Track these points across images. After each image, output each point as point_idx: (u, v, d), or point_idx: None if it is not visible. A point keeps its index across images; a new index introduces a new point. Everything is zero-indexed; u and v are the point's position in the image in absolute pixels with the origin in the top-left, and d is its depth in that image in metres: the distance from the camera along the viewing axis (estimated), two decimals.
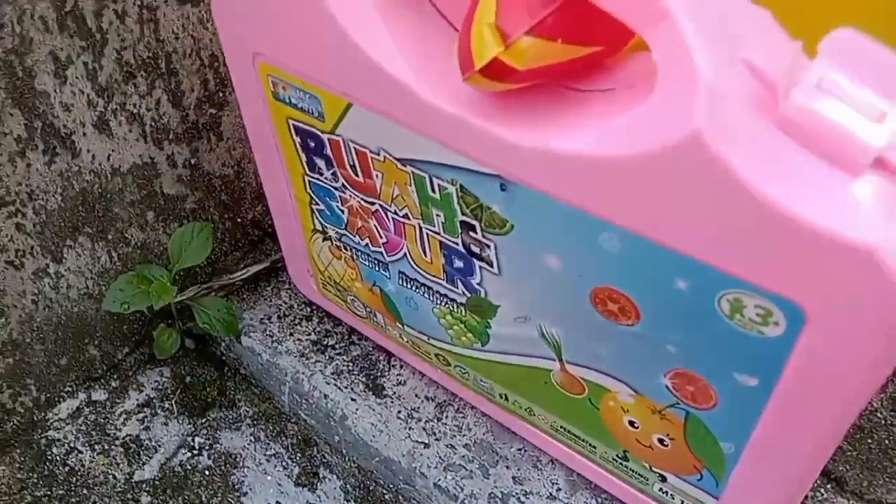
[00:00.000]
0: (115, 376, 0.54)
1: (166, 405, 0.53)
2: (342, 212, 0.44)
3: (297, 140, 0.42)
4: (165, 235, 0.53)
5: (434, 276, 0.42)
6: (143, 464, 0.50)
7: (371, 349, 0.52)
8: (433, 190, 0.37)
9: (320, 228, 0.47)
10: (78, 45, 0.44)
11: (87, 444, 0.50)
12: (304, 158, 0.43)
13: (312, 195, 0.45)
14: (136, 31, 0.46)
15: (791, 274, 0.27)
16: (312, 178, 0.44)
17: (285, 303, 0.55)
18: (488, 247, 0.37)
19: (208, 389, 0.54)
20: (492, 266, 0.38)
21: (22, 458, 0.49)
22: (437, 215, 0.38)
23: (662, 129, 0.27)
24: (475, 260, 0.39)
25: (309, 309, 0.54)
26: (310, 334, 0.53)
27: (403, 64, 0.33)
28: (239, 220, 0.58)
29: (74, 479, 0.49)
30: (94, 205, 0.48)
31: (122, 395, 0.53)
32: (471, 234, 0.38)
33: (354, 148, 0.39)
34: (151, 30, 0.47)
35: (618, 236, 0.31)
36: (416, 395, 0.50)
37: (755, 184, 0.26)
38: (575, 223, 0.32)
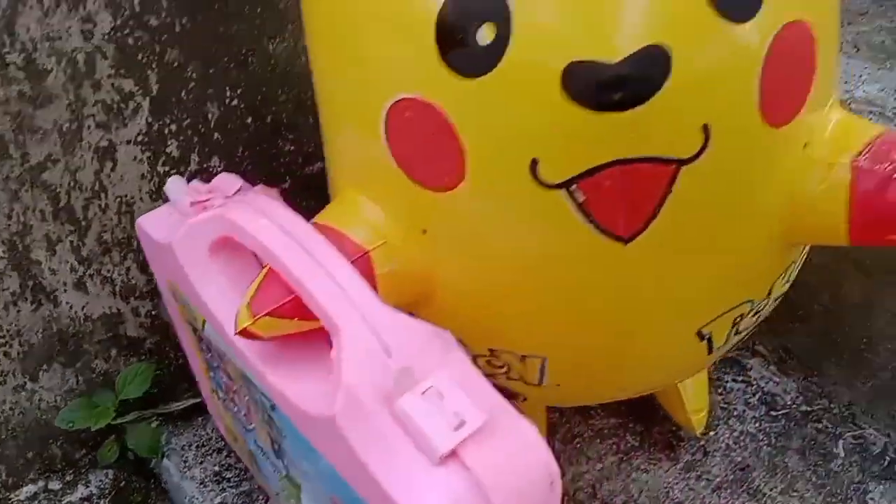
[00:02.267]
0: (70, 471, 0.69)
1: (101, 502, 0.67)
2: (222, 383, 0.57)
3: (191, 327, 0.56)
4: (125, 366, 0.68)
5: (268, 449, 0.54)
6: None
7: (257, 488, 0.64)
8: (251, 393, 0.50)
9: (215, 388, 0.60)
10: (67, 229, 0.60)
11: None
12: (197, 341, 0.57)
13: (208, 364, 0.59)
14: (115, 219, 0.62)
15: None
16: (205, 355, 0.57)
17: (206, 434, 0.68)
18: (280, 444, 0.49)
19: (135, 495, 0.67)
20: (284, 458, 0.50)
21: None
22: (261, 410, 0.51)
23: (327, 406, 0.38)
24: (280, 448, 0.51)
25: (223, 442, 0.67)
26: (214, 465, 0.66)
27: (218, 302, 0.47)
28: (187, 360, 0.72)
29: None
30: (67, 342, 0.64)
31: (72, 487, 0.68)
32: (273, 432, 0.50)
33: (213, 346, 0.53)
34: (128, 218, 0.63)
35: (326, 463, 0.42)
36: None
37: (366, 461, 0.37)
38: (306, 446, 0.43)
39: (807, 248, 0.55)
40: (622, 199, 0.40)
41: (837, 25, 0.48)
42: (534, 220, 0.42)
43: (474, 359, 0.51)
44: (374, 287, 0.44)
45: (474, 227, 0.44)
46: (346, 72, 0.46)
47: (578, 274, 0.44)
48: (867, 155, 0.43)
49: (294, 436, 0.46)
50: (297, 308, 0.42)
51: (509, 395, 0.56)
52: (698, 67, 0.38)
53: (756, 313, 0.52)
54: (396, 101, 0.41)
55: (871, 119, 0.71)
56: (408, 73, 0.41)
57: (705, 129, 0.39)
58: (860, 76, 0.78)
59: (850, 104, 0.73)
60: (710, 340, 0.51)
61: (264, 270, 0.43)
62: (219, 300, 0.47)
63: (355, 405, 0.38)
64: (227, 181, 0.52)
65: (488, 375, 0.52)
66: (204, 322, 0.51)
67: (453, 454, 0.36)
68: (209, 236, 0.48)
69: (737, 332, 0.53)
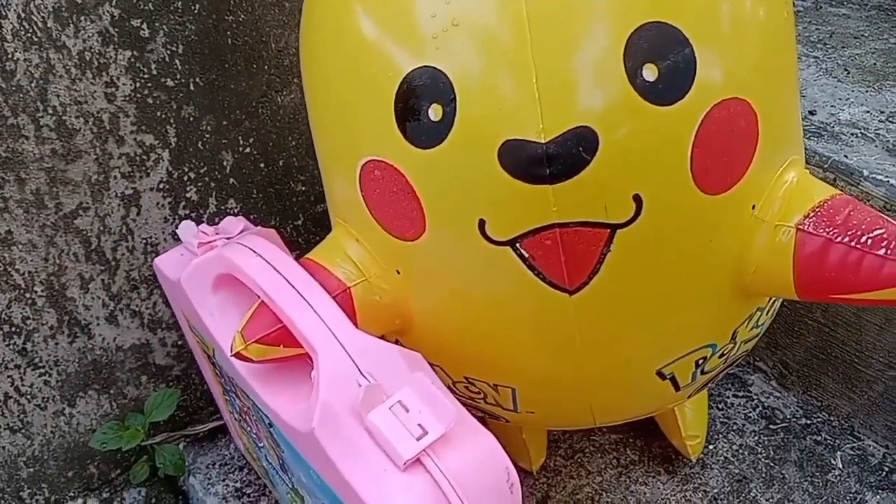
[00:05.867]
0: (106, 489, 0.75)
1: None
2: (237, 405, 0.63)
3: (206, 355, 0.62)
4: (154, 392, 0.74)
5: (276, 464, 0.59)
6: None
7: (274, 502, 0.69)
8: (256, 412, 0.55)
9: (232, 410, 0.66)
10: (98, 269, 0.67)
11: None
12: (212, 367, 0.63)
13: (224, 387, 0.64)
14: (141, 258, 0.69)
15: None
16: (219, 379, 0.63)
17: (229, 454, 0.74)
18: (283, 458, 0.54)
19: None
20: (288, 471, 0.55)
21: None
22: (264, 427, 0.56)
23: (308, 421, 0.43)
24: (283, 462, 0.56)
25: (244, 461, 0.73)
26: (236, 482, 0.71)
27: (221, 331, 0.52)
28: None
29: None
30: (101, 370, 0.70)
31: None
32: (275, 447, 0.55)
33: (224, 371, 0.58)
34: (153, 258, 0.69)
35: (315, 473, 0.47)
36: None
37: (342, 469, 0.42)
38: (300, 458, 0.48)
39: (776, 298, 0.56)
40: (564, 255, 0.43)
41: (793, 92, 0.50)
42: (488, 271, 0.46)
43: (454, 384, 0.56)
44: (355, 319, 0.49)
45: (438, 272, 0.48)
46: (331, 127, 0.51)
47: (531, 318, 0.48)
48: (813, 218, 0.45)
49: (290, 449, 0.51)
50: (284, 336, 0.47)
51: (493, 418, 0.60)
52: (625, 146, 0.41)
53: (722, 355, 0.54)
54: (367, 161, 0.47)
55: (853, 140, 0.74)
56: (375, 138, 0.46)
57: (637, 198, 0.42)
58: (847, 99, 0.81)
59: (833, 127, 0.76)
60: (673, 379, 0.53)
61: (256, 303, 0.49)
62: (222, 329, 0.53)
63: (331, 419, 0.43)
64: (232, 223, 0.58)
65: (469, 400, 0.56)
66: (213, 349, 0.57)
67: (417, 461, 0.41)
68: (212, 273, 0.54)
69: (703, 372, 0.55)
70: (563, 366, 0.50)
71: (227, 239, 0.56)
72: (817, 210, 0.46)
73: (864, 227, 0.44)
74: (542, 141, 0.40)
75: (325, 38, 0.49)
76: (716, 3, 0.43)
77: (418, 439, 0.41)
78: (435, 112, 0.43)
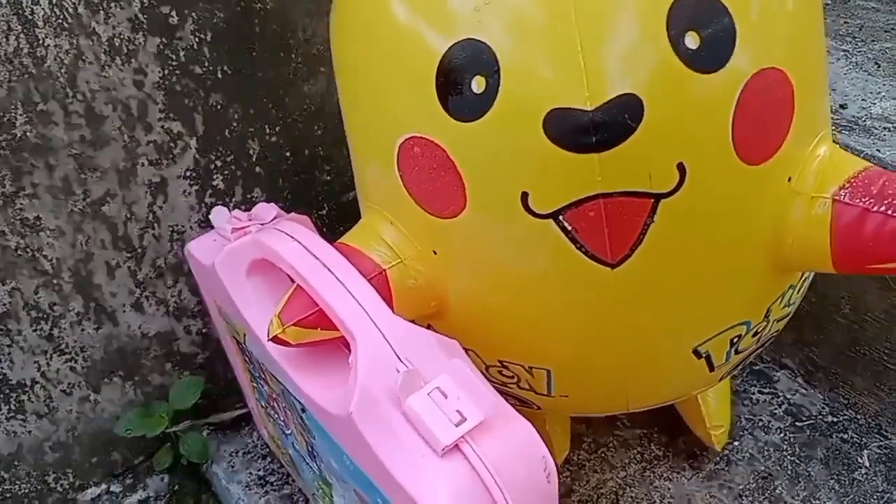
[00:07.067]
0: (130, 475, 0.75)
1: None
2: (264, 392, 0.63)
3: (236, 341, 0.62)
4: (178, 379, 0.74)
5: (304, 451, 0.59)
6: None
7: (297, 490, 0.69)
8: (286, 398, 0.55)
9: (258, 398, 0.66)
10: (125, 256, 0.67)
11: None
12: (241, 353, 0.63)
13: (252, 374, 0.64)
14: (168, 246, 0.69)
15: None
16: (248, 366, 0.63)
17: (252, 442, 0.74)
18: (312, 444, 0.54)
19: (188, 498, 0.73)
20: (317, 458, 0.55)
21: None
22: (295, 413, 0.56)
23: (345, 405, 0.43)
24: (313, 449, 0.56)
25: (267, 449, 0.73)
26: (259, 470, 0.71)
27: (255, 315, 0.52)
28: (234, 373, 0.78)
29: None
30: (126, 357, 0.71)
31: (131, 490, 0.74)
32: (306, 433, 0.55)
33: (254, 357, 0.58)
34: (179, 246, 0.69)
35: (349, 459, 0.47)
36: None
37: (379, 454, 0.41)
38: (333, 444, 0.48)
39: (807, 273, 0.56)
40: (607, 227, 0.43)
41: (823, 67, 0.50)
42: (529, 246, 0.46)
43: (487, 369, 0.55)
44: (391, 301, 0.49)
45: (477, 250, 0.48)
46: (366, 110, 0.51)
47: (573, 294, 0.48)
48: (848, 189, 0.46)
49: (322, 435, 0.51)
50: (321, 319, 0.47)
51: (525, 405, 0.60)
52: (669, 113, 0.41)
53: (755, 334, 0.54)
54: (406, 139, 0.47)
55: (885, 135, 0.73)
56: (415, 115, 0.46)
57: (680, 167, 0.42)
58: (878, 93, 0.80)
59: (865, 121, 0.75)
60: (708, 358, 0.53)
61: (293, 286, 0.49)
62: (255, 314, 0.53)
63: (369, 404, 0.42)
64: (265, 210, 0.58)
65: (501, 385, 0.56)
66: (245, 335, 0.57)
67: (455, 447, 0.41)
68: (247, 258, 0.54)
69: (737, 352, 0.55)
70: (600, 344, 0.50)
71: (261, 225, 0.56)
72: (852, 181, 0.46)
73: None
74: (589, 109, 0.40)
75: (359, 18, 0.49)
76: None
77: (457, 425, 0.41)
78: (478, 84, 0.42)
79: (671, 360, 0.53)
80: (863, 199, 0.45)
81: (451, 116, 0.44)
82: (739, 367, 0.60)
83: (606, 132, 0.41)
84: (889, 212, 0.44)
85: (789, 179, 0.47)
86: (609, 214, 0.43)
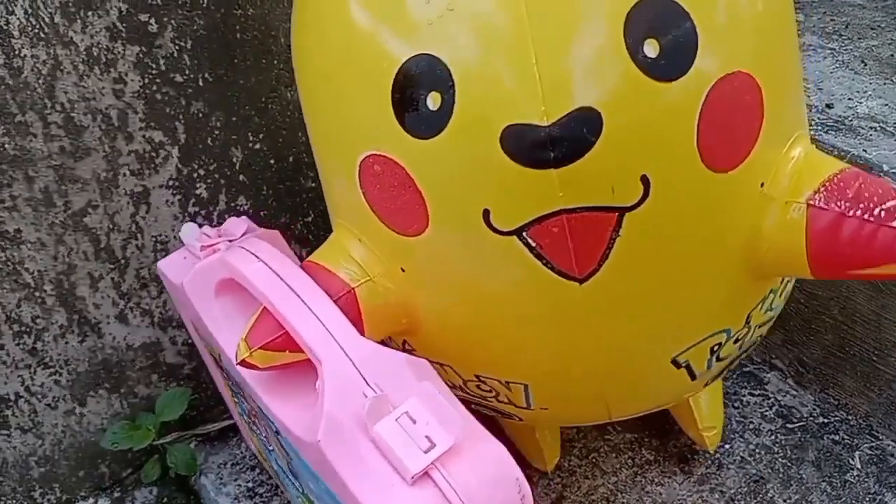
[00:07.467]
0: (117, 489, 0.74)
1: None
2: (246, 408, 0.62)
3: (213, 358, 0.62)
4: (165, 391, 0.73)
5: (286, 468, 0.58)
6: None
7: (286, 502, 0.69)
8: (264, 417, 0.54)
9: (241, 413, 0.65)
10: (108, 267, 0.66)
11: None
12: (220, 370, 0.62)
13: (232, 391, 0.64)
14: (151, 256, 0.68)
15: None
16: (228, 382, 0.62)
17: (240, 453, 0.73)
18: (290, 464, 0.53)
19: None
20: (298, 476, 0.54)
21: None
22: (272, 433, 0.55)
23: (313, 432, 0.42)
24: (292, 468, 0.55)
25: (255, 460, 0.72)
26: (248, 482, 0.71)
27: (226, 336, 0.52)
28: None
29: None
30: (111, 369, 0.70)
31: (119, 503, 0.73)
32: (283, 453, 0.54)
33: (232, 375, 0.58)
34: (163, 256, 0.68)
35: (323, 483, 0.46)
36: None
37: (348, 482, 0.41)
38: (308, 467, 0.48)
39: (788, 279, 0.55)
40: (572, 243, 0.42)
41: (795, 67, 0.49)
42: (495, 262, 0.45)
43: (465, 383, 0.55)
44: (361, 320, 0.48)
45: (444, 267, 0.47)
46: (326, 125, 0.50)
47: (542, 310, 0.47)
48: (823, 192, 0.45)
49: (297, 458, 0.50)
50: (288, 342, 0.47)
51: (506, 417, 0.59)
52: (630, 125, 0.40)
53: (737, 341, 0.53)
54: (367, 156, 0.46)
55: (872, 134, 0.72)
56: (374, 132, 0.45)
57: (644, 179, 0.41)
58: (865, 91, 0.80)
59: (851, 120, 0.75)
60: (689, 367, 0.52)
61: (260, 308, 0.48)
62: (226, 335, 0.53)
63: (337, 430, 0.42)
64: (235, 225, 0.58)
65: (481, 399, 0.56)
66: (220, 354, 0.56)
67: (425, 474, 0.40)
68: (215, 277, 0.53)
69: (718, 359, 0.54)
70: (575, 358, 0.49)
71: (230, 241, 0.55)
72: (827, 184, 0.45)
73: (876, 198, 0.44)
74: (545, 124, 0.39)
75: (317, 31, 0.49)
76: None
77: (426, 452, 0.40)
78: (433, 100, 0.42)
79: (649, 371, 0.52)
80: (838, 203, 0.44)
81: (408, 133, 0.43)
82: (725, 373, 0.60)
83: (564, 147, 0.40)
84: (865, 216, 0.43)
85: (762, 185, 0.46)
86: (573, 230, 0.42)
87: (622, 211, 0.42)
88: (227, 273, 0.52)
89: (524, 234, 0.42)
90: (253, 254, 0.50)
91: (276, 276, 0.48)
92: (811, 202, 0.45)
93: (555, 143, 0.39)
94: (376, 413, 0.41)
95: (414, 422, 0.41)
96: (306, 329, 0.45)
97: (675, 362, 0.51)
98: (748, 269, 0.48)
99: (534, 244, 0.43)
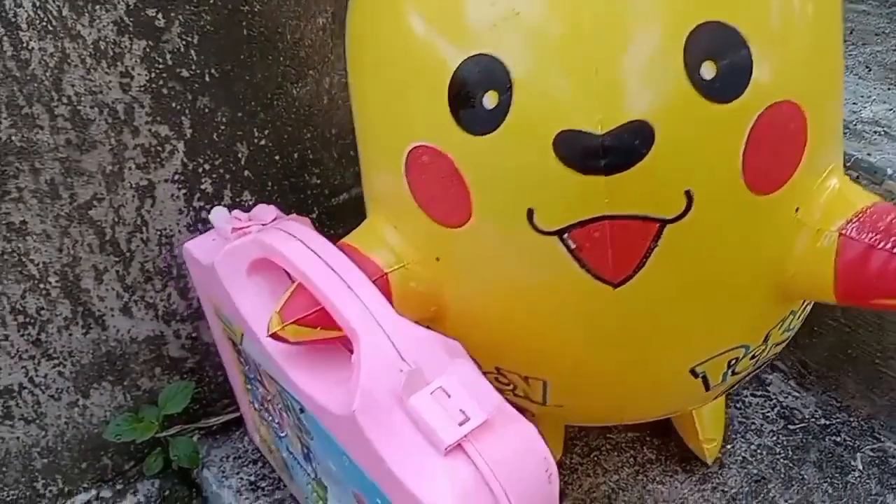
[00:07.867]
0: (120, 481, 0.75)
1: None
2: (259, 395, 0.63)
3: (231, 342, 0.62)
4: (168, 384, 0.74)
5: (299, 453, 0.59)
6: None
7: (289, 496, 0.69)
8: (284, 397, 0.55)
9: (252, 401, 0.65)
10: (113, 260, 0.67)
11: None
12: (236, 355, 0.62)
13: (246, 376, 0.64)
14: (156, 250, 0.69)
15: None
16: (243, 368, 0.63)
17: (243, 446, 0.73)
18: (309, 446, 0.54)
19: (179, 503, 0.73)
20: (313, 460, 0.54)
21: None
22: (292, 414, 0.55)
23: (348, 404, 0.43)
24: (309, 451, 0.55)
25: (258, 454, 0.72)
26: (250, 475, 0.71)
27: (255, 314, 0.52)
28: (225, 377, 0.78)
29: None
30: (115, 362, 0.70)
31: (121, 496, 0.74)
32: (303, 434, 0.54)
33: (250, 358, 0.58)
34: (168, 249, 0.69)
35: (349, 459, 0.47)
36: None
37: (382, 453, 0.41)
38: (332, 445, 0.48)
39: (808, 302, 0.56)
40: (611, 248, 0.43)
41: (839, 99, 0.50)
42: (531, 260, 0.46)
43: (483, 375, 0.55)
44: (391, 304, 0.49)
45: (480, 260, 0.48)
46: (377, 115, 0.51)
47: (573, 310, 0.48)
48: (855, 223, 0.46)
49: (321, 436, 0.50)
50: (322, 318, 0.47)
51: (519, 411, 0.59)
52: (680, 141, 0.41)
53: (753, 357, 0.54)
54: (415, 147, 0.47)
55: (876, 139, 0.72)
56: (425, 125, 0.46)
57: (688, 194, 0.42)
58: (869, 96, 0.80)
59: (856, 125, 0.75)
60: (705, 378, 0.53)
61: (294, 284, 0.49)
62: (254, 312, 0.53)
63: (372, 403, 0.42)
64: (265, 211, 0.59)
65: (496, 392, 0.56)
66: (242, 335, 0.56)
67: (458, 447, 0.41)
68: (247, 257, 0.54)
69: (734, 373, 0.55)
70: (599, 359, 0.50)
71: (262, 225, 0.56)
72: (860, 216, 0.46)
73: None
74: (600, 133, 0.40)
75: (376, 24, 0.49)
76: (772, 6, 0.43)
77: (460, 425, 0.40)
78: (490, 99, 0.43)
79: (668, 379, 0.53)
80: (869, 235, 0.45)
81: (461, 128, 0.44)
82: (735, 387, 0.60)
83: (615, 156, 0.41)
84: (895, 249, 0.44)
85: (797, 210, 0.47)
86: (614, 236, 0.43)
87: (664, 222, 0.43)
88: (262, 252, 0.52)
89: (565, 235, 0.43)
90: (290, 234, 0.51)
91: (314, 254, 0.48)
92: (843, 232, 0.46)
93: (607, 152, 0.41)
94: (412, 386, 0.41)
95: (448, 396, 0.41)
96: (345, 305, 0.45)
97: (693, 372, 0.52)
98: (774, 289, 0.49)
99: (574, 246, 0.44)
